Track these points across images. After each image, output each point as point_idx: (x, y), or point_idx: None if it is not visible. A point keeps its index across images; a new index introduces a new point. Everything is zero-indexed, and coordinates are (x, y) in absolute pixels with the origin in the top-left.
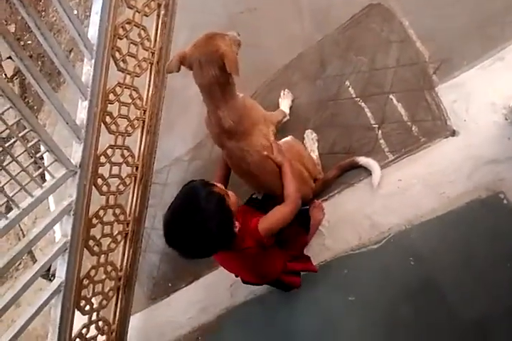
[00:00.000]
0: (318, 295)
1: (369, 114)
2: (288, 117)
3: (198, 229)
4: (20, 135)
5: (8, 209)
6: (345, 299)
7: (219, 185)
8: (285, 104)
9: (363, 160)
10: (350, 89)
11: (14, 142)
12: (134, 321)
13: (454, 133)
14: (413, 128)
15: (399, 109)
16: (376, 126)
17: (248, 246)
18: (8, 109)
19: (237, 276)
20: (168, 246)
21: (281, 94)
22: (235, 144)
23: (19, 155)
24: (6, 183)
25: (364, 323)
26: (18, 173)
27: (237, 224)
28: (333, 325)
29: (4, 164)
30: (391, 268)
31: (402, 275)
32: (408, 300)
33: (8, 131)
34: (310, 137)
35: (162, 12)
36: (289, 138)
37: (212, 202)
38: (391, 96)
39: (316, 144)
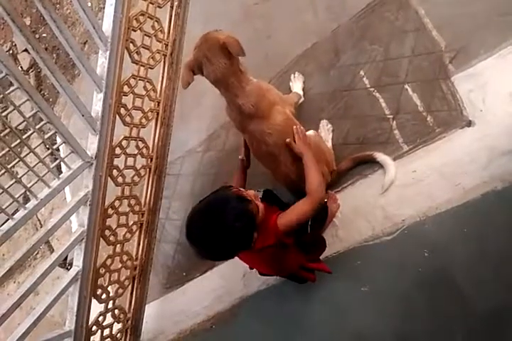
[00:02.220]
0: (330, 285)
1: (383, 104)
2: (303, 98)
3: (217, 242)
4: (37, 127)
5: (26, 199)
6: (358, 289)
7: (253, 196)
8: (297, 86)
9: (381, 157)
10: (364, 79)
11: (31, 134)
12: (150, 309)
13: (469, 124)
14: (428, 119)
15: (414, 99)
16: (391, 116)
17: (269, 244)
18: (25, 101)
19: (251, 268)
20: (187, 240)
21: (292, 77)
22: (256, 127)
23: (36, 147)
24: (23, 175)
25: (377, 313)
26: (36, 165)
27: (255, 235)
28: (345, 315)
29: (21, 156)
30: (405, 259)
31: (416, 266)
32: (422, 291)
33: (24, 123)
34: (325, 127)
35: (175, 3)
36: (311, 132)
37: (241, 222)
38: (406, 86)
39: (331, 135)
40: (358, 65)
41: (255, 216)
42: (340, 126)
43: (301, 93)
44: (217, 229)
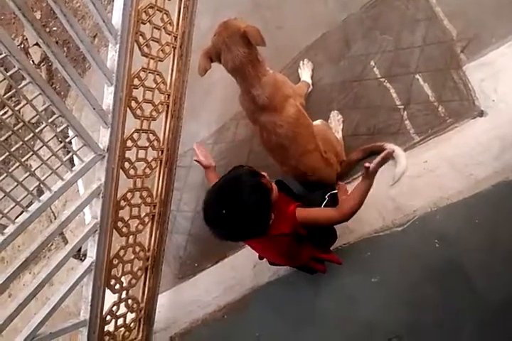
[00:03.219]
0: (341, 276)
1: (394, 95)
2: (311, 87)
3: (236, 218)
4: (49, 121)
5: (40, 192)
6: (369, 280)
7: (265, 175)
8: (306, 74)
9: (392, 148)
10: (375, 69)
11: (44, 128)
12: (162, 299)
13: (481, 114)
14: (440, 109)
15: (425, 89)
16: (402, 106)
17: (283, 232)
18: (37, 95)
19: (261, 259)
20: (206, 224)
21: (301, 64)
22: (268, 119)
23: (49, 140)
24: (37, 168)
25: (387, 304)
26: (49, 158)
27: (272, 216)
28: (355, 306)
29: (34, 149)
30: (415, 250)
31: (427, 257)
32: (433, 281)
33: (37, 116)
34: (336, 118)
35: None
36: (318, 121)
37: (256, 195)
38: (417, 76)
39: (341, 126)
40: (369, 54)
41: (269, 190)
42: (351, 116)
43: (310, 81)
44: (234, 205)
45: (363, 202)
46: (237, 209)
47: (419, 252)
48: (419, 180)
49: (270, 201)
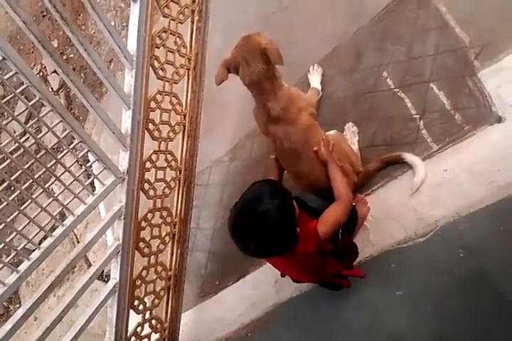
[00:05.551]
0: (365, 290)
1: (409, 105)
2: (321, 93)
3: (262, 225)
4: (70, 147)
5: (62, 216)
6: (393, 293)
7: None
8: (316, 79)
9: (409, 157)
10: (388, 80)
11: (65, 154)
12: (186, 318)
13: (499, 120)
14: (456, 117)
15: (440, 98)
16: (417, 116)
17: (309, 250)
18: (58, 122)
19: (283, 276)
20: (233, 240)
21: (310, 69)
22: (280, 128)
23: (71, 165)
24: (60, 193)
25: (413, 317)
26: (71, 183)
27: (298, 230)
28: (381, 320)
29: (55, 173)
30: (439, 260)
31: (452, 267)
32: (458, 292)
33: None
34: (351, 130)
35: (196, 18)
36: (332, 132)
37: (277, 198)
38: (431, 84)
39: (357, 137)
40: (381, 66)
41: (289, 192)
42: (366, 128)
43: (320, 87)
44: (258, 212)
45: (344, 179)
46: (262, 216)
47: (444, 263)
48: (439, 189)
49: (291, 202)
